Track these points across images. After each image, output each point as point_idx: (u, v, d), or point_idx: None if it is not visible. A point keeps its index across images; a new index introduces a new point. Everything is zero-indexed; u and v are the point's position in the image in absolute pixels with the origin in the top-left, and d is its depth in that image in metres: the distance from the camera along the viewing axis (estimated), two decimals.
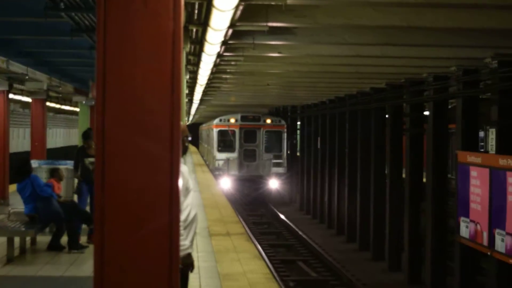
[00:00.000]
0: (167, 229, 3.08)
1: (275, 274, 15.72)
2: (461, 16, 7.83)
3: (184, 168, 3.86)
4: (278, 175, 27.88)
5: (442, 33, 9.20)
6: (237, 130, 28.16)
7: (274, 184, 28.10)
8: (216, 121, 28.64)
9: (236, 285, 8.36)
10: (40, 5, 8.12)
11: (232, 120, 27.10)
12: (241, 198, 31.74)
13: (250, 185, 28.41)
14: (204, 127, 54.81)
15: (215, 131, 29.01)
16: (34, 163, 12.96)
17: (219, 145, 28.30)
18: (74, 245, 10.37)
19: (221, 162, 27.19)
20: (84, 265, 9.48)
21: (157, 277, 3.11)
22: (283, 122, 29.11)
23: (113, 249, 3.12)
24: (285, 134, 29.81)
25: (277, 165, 27.66)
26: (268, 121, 27.25)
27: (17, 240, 10.19)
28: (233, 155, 27.41)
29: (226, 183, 27.54)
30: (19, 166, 10.93)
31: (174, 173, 3.09)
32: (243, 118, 28.01)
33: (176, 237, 3.12)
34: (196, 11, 7.89)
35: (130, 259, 3.12)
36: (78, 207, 11.14)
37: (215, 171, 27.62)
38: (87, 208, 11.61)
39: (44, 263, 9.90)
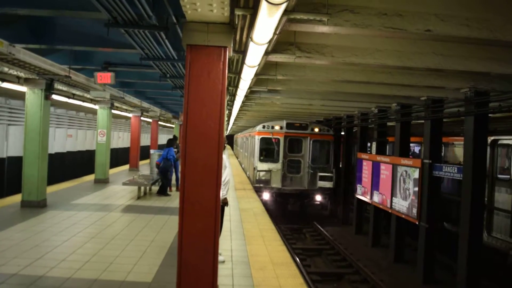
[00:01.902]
0: (215, 184, 5.41)
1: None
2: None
3: (224, 156, 6.11)
4: (326, 190, 20.39)
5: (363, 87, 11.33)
6: (281, 138, 20.94)
7: (320, 199, 20.60)
8: (259, 127, 21.77)
9: None
10: (157, 74, 11.92)
11: (277, 127, 21.02)
12: (283, 216, 21.12)
13: (293, 200, 20.64)
14: (240, 135, 44.26)
15: (257, 138, 21.62)
16: (152, 151, 18.83)
17: (261, 155, 21.18)
18: (165, 193, 15.21)
19: (262, 174, 20.41)
20: (174, 202, 13.94)
21: (209, 206, 5.42)
22: (331, 131, 21.55)
23: (188, 194, 5.45)
24: (333, 145, 21.27)
25: (325, 178, 20.39)
26: (316, 129, 20.83)
27: (141, 188, 14.85)
28: (276, 166, 20.37)
29: (267, 197, 20.30)
30: (170, 140, 16.05)
31: (219, 157, 5.42)
32: (289, 126, 21.09)
33: (219, 187, 5.45)
34: (233, 80, 11.29)
35: (197, 198, 5.43)
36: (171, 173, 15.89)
37: (255, 183, 20.68)
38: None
39: (154, 200, 14.41)
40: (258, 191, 19.56)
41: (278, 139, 20.47)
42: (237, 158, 45.26)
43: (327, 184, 20.39)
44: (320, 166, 20.67)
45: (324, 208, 22.81)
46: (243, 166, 33.07)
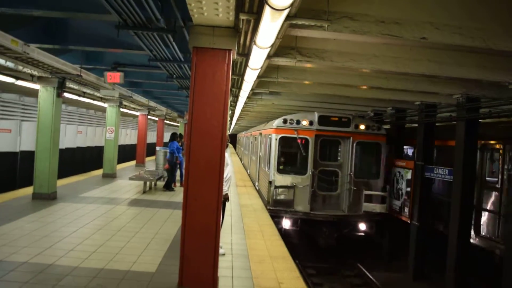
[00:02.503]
0: (217, 180, 5.41)
1: None
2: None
3: (226, 154, 6.11)
4: (375, 216, 13.52)
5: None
6: (311, 139, 13.88)
7: (367, 229, 13.53)
8: (278, 122, 14.17)
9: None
10: (164, 75, 11.96)
11: (304, 122, 13.97)
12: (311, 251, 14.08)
13: (328, 232, 13.24)
14: (244, 134, 35.01)
15: (274, 138, 14.17)
16: (158, 148, 18.91)
17: (280, 163, 13.95)
18: (170, 188, 15.07)
19: (282, 192, 13.50)
20: (178, 197, 13.82)
21: (212, 202, 5.43)
22: (383, 130, 14.38)
23: (192, 189, 5.46)
24: (385, 150, 14.23)
25: (374, 199, 13.60)
26: (362, 126, 14.05)
27: (147, 183, 14.88)
28: (303, 181, 13.44)
29: (288, 225, 13.45)
30: (172, 134, 15.59)
31: (222, 155, 5.43)
32: (323, 120, 13.89)
33: (221, 184, 5.44)
34: (236, 82, 11.28)
35: (200, 194, 5.44)
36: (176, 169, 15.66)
37: (271, 205, 13.47)
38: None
39: (159, 194, 14.46)
40: (276, 216, 12.52)
41: (306, 140, 13.17)
42: (240, 160, 36.67)
43: (377, 208, 12.99)
44: (366, 181, 13.39)
45: (371, 242, 14.38)
46: (248, 172, 24.44)
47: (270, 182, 13.25)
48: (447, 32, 5.64)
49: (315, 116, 13.36)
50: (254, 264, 7.07)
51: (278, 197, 13.05)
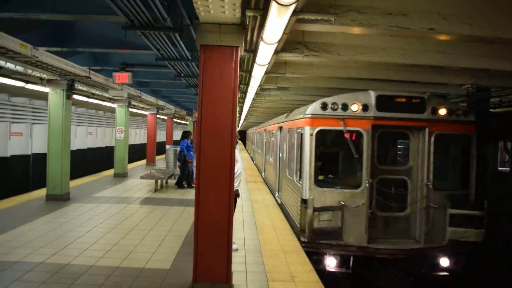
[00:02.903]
0: (228, 177, 5.44)
1: None
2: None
3: (236, 150, 6.12)
4: (465, 246, 7.73)
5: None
6: (365, 133, 8.04)
7: (454, 266, 7.74)
8: (314, 108, 8.30)
9: None
10: (171, 74, 12.11)
11: (355, 107, 7.99)
12: None
13: (394, 273, 7.83)
14: (255, 129, 30.25)
15: (308, 133, 8.24)
16: (168, 147, 18.96)
17: (318, 170, 8.22)
18: (181, 186, 15.17)
19: (324, 216, 7.85)
20: (189, 194, 13.79)
21: (223, 198, 5.46)
22: (471, 116, 8.25)
23: (203, 186, 5.50)
24: (477, 144, 8.15)
25: (464, 221, 7.58)
26: (443, 111, 7.88)
27: (158, 182, 14.94)
28: (355, 197, 7.93)
29: (334, 266, 7.80)
30: (184, 132, 15.57)
31: (232, 151, 5.45)
32: (383, 102, 8.03)
33: (232, 180, 5.47)
34: (244, 78, 11.24)
35: (211, 190, 5.47)
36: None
37: (307, 237, 7.97)
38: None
39: (171, 192, 14.52)
40: (315, 253, 8.24)
41: (359, 134, 8.50)
42: (252, 159, 32.61)
43: (470, 235, 8.28)
44: (451, 193, 8.64)
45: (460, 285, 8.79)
46: (263, 175, 19.74)
47: (303, 201, 8.42)
48: (456, 22, 5.61)
49: (371, 97, 8.36)
50: (267, 259, 7.10)
51: (318, 225, 8.20)
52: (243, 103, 16.90)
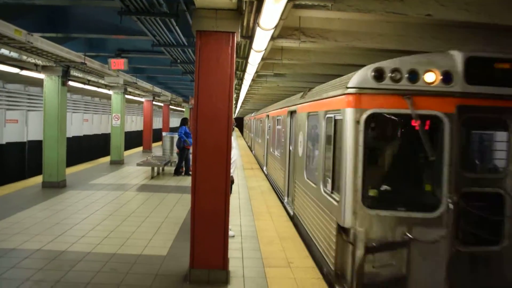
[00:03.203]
0: (225, 163, 5.43)
1: None
2: None
3: (233, 137, 6.10)
4: None
5: None
6: (446, 119, 4.67)
7: None
8: (360, 77, 4.83)
9: None
10: (168, 60, 11.92)
11: (430, 77, 4.58)
12: None
13: None
14: (257, 115, 24.79)
15: (351, 117, 4.83)
16: (164, 134, 18.61)
17: (367, 181, 4.80)
18: (178, 173, 15.10)
19: (381, 260, 4.57)
20: (186, 181, 13.87)
21: (220, 185, 5.45)
22: None
23: (200, 172, 5.48)
24: None
25: None
26: None
27: (155, 169, 14.95)
28: (429, 225, 4.55)
29: None
30: (182, 119, 15.22)
31: (229, 137, 5.43)
32: (477, 69, 4.60)
33: (229, 166, 5.46)
34: (240, 65, 11.20)
35: (208, 177, 5.46)
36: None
37: (350, 285, 4.76)
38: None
39: (167, 179, 14.51)
40: None
41: (437, 120, 5.07)
42: (250, 149, 28.85)
43: None
44: None
45: None
46: (272, 180, 14.01)
47: (342, 231, 5.41)
48: (453, 8, 5.58)
49: (457, 61, 5.16)
50: (264, 245, 7.14)
51: (371, 271, 5.07)
52: (239, 89, 16.87)
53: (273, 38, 7.05)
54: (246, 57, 9.29)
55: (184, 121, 15.09)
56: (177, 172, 15.19)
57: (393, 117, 5.23)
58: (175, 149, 15.44)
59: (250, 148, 27.47)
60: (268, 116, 16.57)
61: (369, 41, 7.51)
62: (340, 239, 5.42)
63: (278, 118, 13.14)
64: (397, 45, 7.55)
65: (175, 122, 42.83)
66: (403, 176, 5.60)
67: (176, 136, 16.08)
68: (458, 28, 7.35)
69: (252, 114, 28.51)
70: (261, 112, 22.13)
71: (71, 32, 9.08)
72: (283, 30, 7.18)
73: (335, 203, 5.59)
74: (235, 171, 7.76)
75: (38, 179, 12.50)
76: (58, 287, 5.25)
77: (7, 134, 15.24)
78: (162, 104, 29.32)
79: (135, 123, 33.09)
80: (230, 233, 6.77)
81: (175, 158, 15.80)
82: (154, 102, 25.07)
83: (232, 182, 7.56)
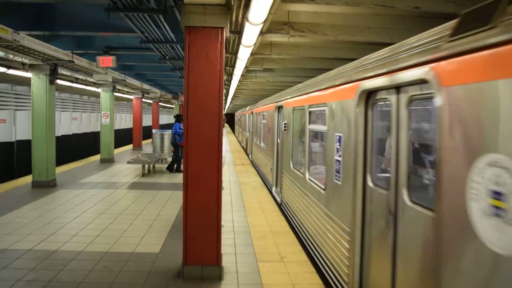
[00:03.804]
0: (216, 159, 5.42)
1: None
2: None
3: (224, 132, 6.08)
4: None
5: None
6: None
7: None
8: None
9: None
10: (156, 57, 11.70)
11: None
12: None
13: None
14: (252, 109, 19.63)
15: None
16: (154, 131, 18.40)
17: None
18: (170, 170, 14.99)
19: None
20: (177, 178, 13.72)
21: (212, 180, 5.45)
22: None
23: (191, 168, 5.48)
24: None
25: None
26: None
27: (145, 166, 14.77)
28: None
29: None
30: (176, 115, 15.25)
31: (220, 132, 5.42)
32: None
33: (220, 162, 5.45)
34: (230, 60, 11.08)
35: (199, 173, 5.46)
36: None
37: None
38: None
39: (158, 177, 14.37)
40: None
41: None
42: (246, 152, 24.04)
43: None
44: None
45: None
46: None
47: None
48: (440, 1, 5.60)
49: None
50: (256, 240, 7.15)
51: None
52: (229, 85, 16.81)
53: (262, 32, 7.04)
54: (235, 53, 9.26)
55: (178, 118, 14.99)
56: (169, 169, 15.13)
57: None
58: (166, 147, 15.35)
59: (245, 150, 24.56)
60: (275, 108, 11.98)
61: (358, 34, 7.53)
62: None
63: (301, 108, 8.56)
64: (385, 38, 7.57)
65: (164, 119, 42.62)
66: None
67: (166, 133, 16.01)
68: (447, 21, 7.34)
69: (246, 109, 26.69)
70: (260, 104, 19.44)
71: (58, 30, 8.97)
72: (272, 25, 7.17)
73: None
74: (225, 166, 7.76)
75: (28, 179, 12.39)
76: (51, 287, 5.22)
77: None
78: (151, 101, 29.09)
79: (124, 121, 32.90)
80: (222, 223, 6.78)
81: (166, 155, 15.74)
82: (143, 100, 24.87)
83: None
